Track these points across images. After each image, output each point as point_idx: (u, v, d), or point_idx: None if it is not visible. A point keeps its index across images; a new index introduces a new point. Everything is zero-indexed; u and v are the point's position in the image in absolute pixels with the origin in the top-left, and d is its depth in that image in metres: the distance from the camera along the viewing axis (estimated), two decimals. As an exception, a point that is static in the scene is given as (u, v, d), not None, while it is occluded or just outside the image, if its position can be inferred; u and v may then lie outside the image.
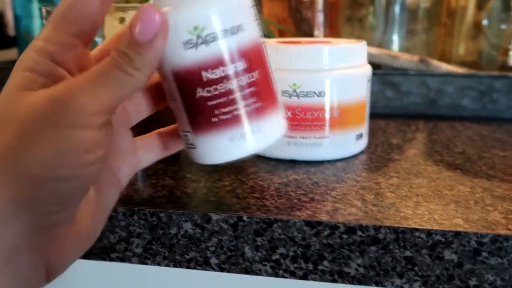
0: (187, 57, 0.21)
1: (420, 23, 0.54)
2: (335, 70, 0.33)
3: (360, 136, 0.35)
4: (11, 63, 0.62)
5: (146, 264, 0.27)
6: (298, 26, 0.54)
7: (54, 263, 0.20)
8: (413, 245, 0.24)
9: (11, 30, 0.65)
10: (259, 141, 0.23)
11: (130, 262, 0.28)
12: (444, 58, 0.54)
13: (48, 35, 0.20)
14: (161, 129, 0.26)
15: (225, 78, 0.22)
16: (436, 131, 0.43)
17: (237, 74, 0.22)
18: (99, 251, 0.28)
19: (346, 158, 0.35)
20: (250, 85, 0.23)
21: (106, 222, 0.23)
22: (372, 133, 0.41)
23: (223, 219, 0.26)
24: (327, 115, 0.33)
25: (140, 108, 0.25)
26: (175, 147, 0.26)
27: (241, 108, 0.22)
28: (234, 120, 0.23)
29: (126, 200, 0.28)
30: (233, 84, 0.22)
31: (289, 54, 0.33)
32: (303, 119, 0.33)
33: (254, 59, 0.23)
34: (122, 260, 0.28)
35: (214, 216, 0.26)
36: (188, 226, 0.26)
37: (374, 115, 0.47)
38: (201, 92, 0.22)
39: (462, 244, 0.24)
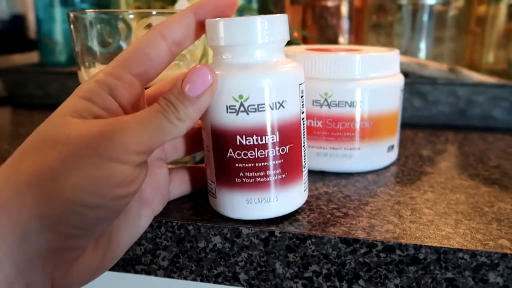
0: (226, 120, 0.23)
1: (448, 30, 0.53)
2: (367, 79, 0.32)
3: (391, 147, 0.34)
4: (32, 66, 0.62)
5: (172, 277, 0.27)
6: (322, 32, 0.53)
7: (59, 285, 0.20)
8: (455, 266, 0.23)
9: (32, 33, 0.65)
10: (273, 210, 0.25)
11: (156, 275, 0.27)
12: (472, 66, 0.52)
13: (112, 70, 0.22)
14: (193, 165, 0.29)
15: (256, 147, 0.23)
16: (467, 142, 0.41)
17: (268, 146, 0.24)
18: (124, 263, 0.27)
19: (377, 170, 0.34)
20: (279, 157, 0.24)
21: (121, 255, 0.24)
22: (401, 143, 0.40)
23: (254, 233, 0.25)
24: (358, 126, 0.32)
25: (177, 148, 0.27)
26: (201, 187, 0.28)
27: (265, 177, 0.24)
28: (255, 185, 0.24)
29: (152, 211, 0.27)
30: (263, 154, 0.24)
31: (320, 62, 0.32)
32: (333, 130, 0.32)
33: (288, 134, 0.24)
34: (147, 273, 0.27)
35: (245, 230, 0.25)
36: (217, 240, 0.25)
37: (402, 125, 0.45)
38: (232, 153, 0.24)
39: (509, 267, 0.22)
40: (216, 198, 0.25)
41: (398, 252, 0.23)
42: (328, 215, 0.26)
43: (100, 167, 0.19)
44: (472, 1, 0.53)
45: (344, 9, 0.53)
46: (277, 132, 0.24)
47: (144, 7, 0.51)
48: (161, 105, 0.21)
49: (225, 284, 0.26)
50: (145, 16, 0.30)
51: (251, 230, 0.25)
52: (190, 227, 0.25)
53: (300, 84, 0.25)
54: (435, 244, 0.23)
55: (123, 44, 0.30)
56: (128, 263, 0.27)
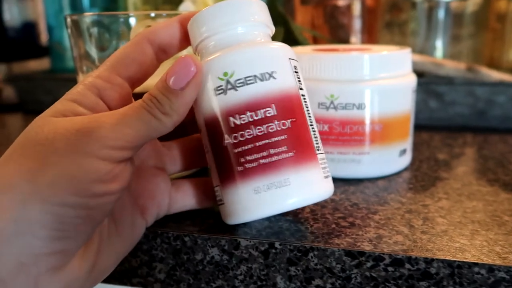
0: (216, 103, 0.22)
1: (466, 28, 0.50)
2: (377, 80, 0.30)
3: (403, 151, 0.32)
4: (44, 73, 0.62)
5: (170, 291, 0.25)
6: (333, 32, 0.51)
7: None
8: (471, 282, 0.21)
9: (44, 40, 0.65)
10: (289, 197, 0.21)
11: (153, 288, 0.26)
12: (492, 65, 0.50)
13: (100, 73, 0.22)
14: (200, 178, 0.26)
15: (252, 124, 0.21)
16: (486, 145, 0.39)
17: (265, 120, 0.21)
18: (120, 275, 0.26)
19: (388, 175, 0.32)
20: (280, 133, 0.21)
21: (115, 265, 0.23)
22: (415, 147, 0.38)
23: (253, 245, 0.23)
24: (368, 129, 0.30)
25: (175, 161, 0.26)
26: (207, 203, 0.26)
27: (269, 156, 0.21)
28: (261, 169, 0.21)
29: (149, 221, 0.26)
30: (261, 131, 0.21)
31: (326, 63, 0.30)
32: (341, 133, 0.30)
33: (287, 107, 0.22)
34: (144, 285, 0.26)
35: (243, 242, 0.23)
36: (214, 251, 0.24)
37: (416, 127, 0.43)
38: (228, 139, 0.22)
39: (531, 283, 0.20)
40: (224, 203, 0.23)
41: (407, 266, 0.22)
42: (333, 225, 0.25)
43: (77, 163, 0.18)
44: (491, -4, 0.51)
45: (356, 8, 0.51)
46: (273, 105, 0.21)
47: (151, 9, 0.51)
48: (144, 101, 0.20)
49: (224, 298, 0.25)
50: (148, 18, 0.29)
51: (250, 241, 0.23)
52: (186, 238, 0.24)
53: (290, 59, 0.23)
54: (448, 258, 0.21)
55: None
56: (124, 276, 0.26)
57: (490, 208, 0.26)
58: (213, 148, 0.22)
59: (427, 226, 0.24)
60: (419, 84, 0.44)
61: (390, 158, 0.32)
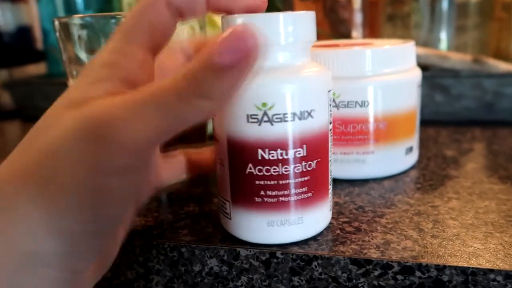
0: (247, 130, 0.21)
1: (471, 18, 0.49)
2: (380, 76, 0.29)
3: (410, 149, 0.31)
4: (41, 78, 0.61)
5: (168, 304, 0.24)
6: (334, 27, 0.50)
7: None
8: (486, 289, 0.20)
9: (39, 44, 0.64)
10: (297, 233, 0.22)
11: (151, 301, 0.24)
12: (499, 56, 0.48)
13: (118, 46, 0.18)
14: (188, 150, 0.24)
15: (280, 162, 0.21)
16: (496, 140, 0.38)
17: (294, 161, 0.21)
18: (116, 288, 0.25)
19: (394, 175, 0.30)
20: (304, 174, 0.21)
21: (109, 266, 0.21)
22: (422, 144, 0.36)
23: (253, 255, 0.22)
24: (372, 128, 0.29)
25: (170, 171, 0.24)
26: (196, 171, 0.24)
27: (289, 196, 0.21)
28: (278, 206, 0.21)
29: (144, 231, 0.24)
30: (287, 170, 0.21)
31: (326, 59, 0.29)
32: (343, 133, 0.29)
33: (316, 148, 0.21)
34: (141, 299, 0.25)
35: (243, 252, 0.22)
36: (213, 262, 0.23)
37: (422, 123, 0.41)
38: (252, 169, 0.21)
39: (551, 289, 0.19)
40: (231, 218, 0.22)
41: (418, 273, 0.20)
42: (338, 231, 0.23)
43: (87, 188, 0.15)
44: (497, -16, 0.49)
45: (357, 1, 0.50)
46: (304, 146, 0.21)
47: None
48: (176, 79, 0.15)
49: (225, 310, 0.23)
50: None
51: (250, 251, 0.22)
52: (183, 249, 0.23)
53: (329, 91, 0.22)
54: (461, 264, 0.20)
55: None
56: (120, 289, 0.25)
57: (503, 207, 0.25)
58: (232, 169, 0.22)
59: (437, 229, 0.23)
60: (424, 78, 0.42)
61: (396, 157, 0.30)
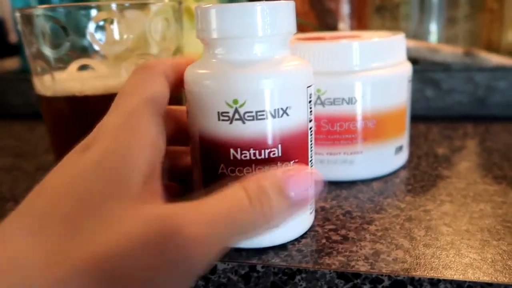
0: (218, 129, 0.19)
1: (461, 9, 0.47)
2: (368, 71, 0.27)
3: (400, 148, 0.29)
4: (14, 73, 0.58)
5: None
6: (320, 18, 0.48)
7: None
8: (484, 305, 0.18)
9: (13, 38, 0.61)
10: (275, 237, 0.21)
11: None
12: (491, 47, 0.47)
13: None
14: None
15: (254, 163, 0.19)
16: (489, 136, 0.36)
17: (268, 161, 0.19)
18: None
19: (383, 176, 0.29)
20: None
21: None
22: (412, 141, 0.35)
23: (231, 268, 0.20)
24: (360, 126, 0.27)
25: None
26: (177, 176, 0.24)
27: None
28: None
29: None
30: (261, 171, 0.19)
31: (311, 53, 0.27)
32: (330, 132, 0.27)
33: (293, 148, 0.20)
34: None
35: (220, 265, 0.20)
36: (188, 277, 0.21)
37: (413, 118, 0.40)
38: (224, 170, 0.20)
39: (554, 304, 0.18)
40: None
41: (410, 288, 0.19)
42: (324, 240, 0.22)
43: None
44: (488, -26, 0.47)
45: (344, -8, 0.48)
46: (279, 145, 0.19)
47: None
48: (255, 208, 0.16)
49: (202, 327, 0.22)
50: (105, 9, 0.26)
51: (228, 264, 0.20)
52: (155, 263, 0.21)
53: (308, 87, 0.20)
54: (456, 277, 0.18)
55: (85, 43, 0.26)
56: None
57: (499, 211, 0.24)
58: (204, 169, 0.20)
59: (430, 237, 0.21)
60: (414, 72, 0.41)
61: (386, 157, 0.28)
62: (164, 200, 0.17)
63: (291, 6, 0.20)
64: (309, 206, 0.22)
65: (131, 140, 0.17)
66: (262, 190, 0.16)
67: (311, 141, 0.21)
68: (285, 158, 0.20)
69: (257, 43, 0.19)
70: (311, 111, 0.21)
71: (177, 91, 0.21)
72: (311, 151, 0.21)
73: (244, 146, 0.19)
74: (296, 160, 0.20)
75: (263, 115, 0.19)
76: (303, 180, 0.17)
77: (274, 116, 0.19)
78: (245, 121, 0.19)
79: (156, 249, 0.14)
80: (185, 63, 0.21)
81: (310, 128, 0.21)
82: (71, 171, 0.16)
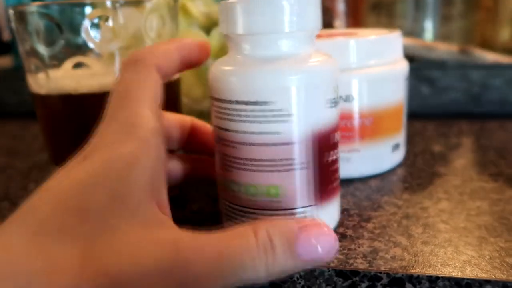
0: (330, 116, 0.20)
1: (456, 7, 0.47)
2: (365, 68, 0.27)
3: (396, 146, 0.29)
4: (7, 71, 0.58)
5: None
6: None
7: None
8: (482, 302, 0.18)
9: (6, 36, 0.61)
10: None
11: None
12: (485, 45, 0.47)
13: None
14: (185, 155, 0.24)
15: (338, 143, 0.21)
16: (484, 133, 0.36)
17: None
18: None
19: (381, 174, 0.29)
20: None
21: None
22: (408, 139, 0.35)
23: (229, 267, 0.20)
24: (357, 124, 0.27)
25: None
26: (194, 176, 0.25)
27: (337, 179, 0.22)
28: (338, 187, 0.22)
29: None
30: (338, 151, 0.21)
31: (308, 50, 0.27)
32: (327, 130, 0.27)
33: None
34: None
35: (218, 264, 0.20)
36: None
37: (408, 116, 0.40)
38: (332, 156, 0.20)
39: (552, 300, 0.18)
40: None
41: (408, 285, 0.19)
42: (322, 238, 0.21)
43: None
44: (483, -28, 0.47)
45: (339, -10, 0.48)
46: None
47: None
48: (258, 243, 0.15)
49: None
50: (100, 7, 0.26)
51: (226, 263, 0.20)
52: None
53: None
54: (455, 274, 0.18)
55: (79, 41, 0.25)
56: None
57: (496, 208, 0.24)
58: (318, 164, 0.20)
59: (428, 235, 0.21)
60: (410, 69, 0.41)
61: (383, 155, 0.28)
62: (169, 212, 0.17)
63: (317, 1, 0.20)
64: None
65: (133, 151, 0.16)
66: (270, 240, 0.15)
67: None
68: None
69: (283, 39, 0.19)
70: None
71: (181, 70, 0.21)
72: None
73: (338, 128, 0.21)
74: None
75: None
76: (318, 236, 0.16)
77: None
78: (337, 105, 0.21)
79: (169, 278, 0.14)
80: (182, 46, 0.20)
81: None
82: (73, 179, 0.16)
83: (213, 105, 0.20)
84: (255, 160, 0.19)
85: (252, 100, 0.19)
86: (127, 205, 0.15)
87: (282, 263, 0.15)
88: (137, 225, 0.15)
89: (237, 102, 0.19)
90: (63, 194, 0.15)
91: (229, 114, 0.19)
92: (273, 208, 0.20)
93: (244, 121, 0.19)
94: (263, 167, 0.19)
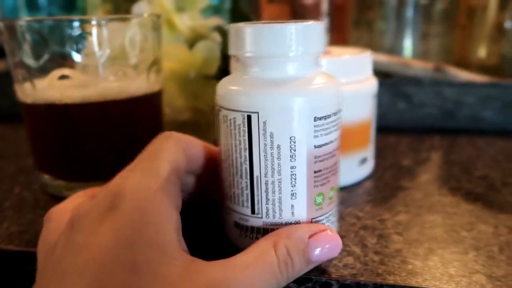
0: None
1: (435, 25, 0.49)
2: (334, 86, 0.29)
3: (363, 160, 0.31)
4: (1, 76, 0.59)
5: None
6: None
7: None
8: (422, 308, 0.20)
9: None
10: None
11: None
12: (462, 63, 0.49)
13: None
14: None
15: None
16: (453, 149, 0.38)
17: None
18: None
19: (348, 186, 0.30)
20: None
21: None
22: (380, 153, 0.36)
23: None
24: (325, 139, 0.29)
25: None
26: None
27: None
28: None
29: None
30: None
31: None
32: (296, 144, 0.29)
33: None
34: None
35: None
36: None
37: (384, 130, 0.42)
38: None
39: (484, 308, 0.19)
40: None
41: (356, 292, 0.20)
42: (282, 246, 0.23)
43: None
44: (461, -8, 0.49)
45: (324, 6, 0.50)
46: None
47: (112, 9, 0.48)
48: (278, 255, 0.18)
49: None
50: (86, 23, 0.27)
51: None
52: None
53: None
54: (399, 283, 0.20)
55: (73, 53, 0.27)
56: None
57: (449, 222, 0.25)
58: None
59: (380, 245, 0.23)
60: (387, 85, 0.43)
61: (349, 168, 0.30)
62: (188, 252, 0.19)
63: (322, 26, 0.21)
64: None
65: (160, 202, 0.18)
66: (288, 254, 0.19)
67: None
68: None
69: (289, 62, 0.20)
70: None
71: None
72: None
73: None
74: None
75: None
76: (325, 242, 0.19)
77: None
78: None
79: None
80: (196, 147, 0.22)
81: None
82: (107, 234, 0.17)
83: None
84: None
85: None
86: (163, 252, 0.17)
87: (298, 270, 0.19)
88: (182, 270, 0.17)
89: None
90: (107, 254, 0.16)
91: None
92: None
93: None
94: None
